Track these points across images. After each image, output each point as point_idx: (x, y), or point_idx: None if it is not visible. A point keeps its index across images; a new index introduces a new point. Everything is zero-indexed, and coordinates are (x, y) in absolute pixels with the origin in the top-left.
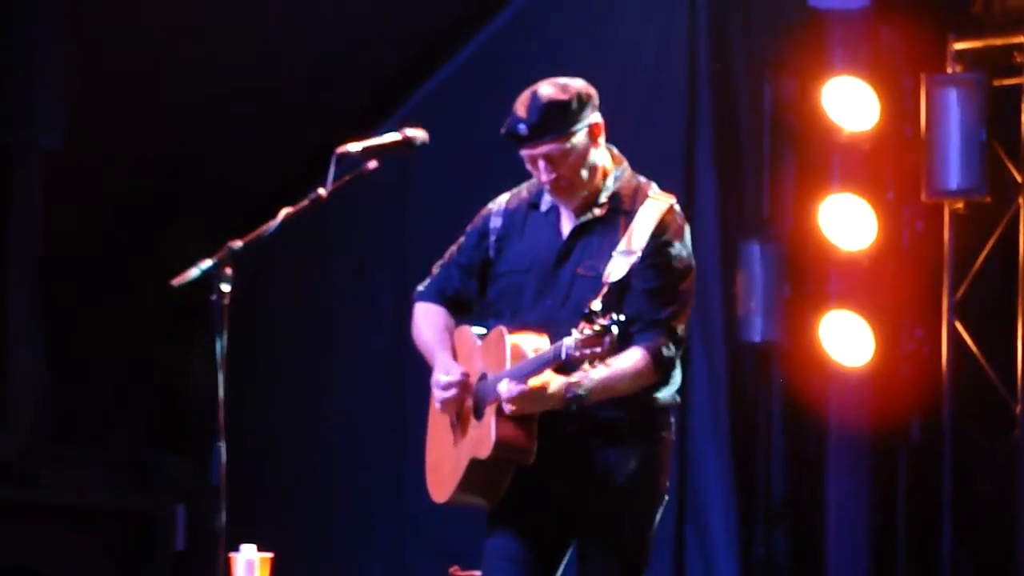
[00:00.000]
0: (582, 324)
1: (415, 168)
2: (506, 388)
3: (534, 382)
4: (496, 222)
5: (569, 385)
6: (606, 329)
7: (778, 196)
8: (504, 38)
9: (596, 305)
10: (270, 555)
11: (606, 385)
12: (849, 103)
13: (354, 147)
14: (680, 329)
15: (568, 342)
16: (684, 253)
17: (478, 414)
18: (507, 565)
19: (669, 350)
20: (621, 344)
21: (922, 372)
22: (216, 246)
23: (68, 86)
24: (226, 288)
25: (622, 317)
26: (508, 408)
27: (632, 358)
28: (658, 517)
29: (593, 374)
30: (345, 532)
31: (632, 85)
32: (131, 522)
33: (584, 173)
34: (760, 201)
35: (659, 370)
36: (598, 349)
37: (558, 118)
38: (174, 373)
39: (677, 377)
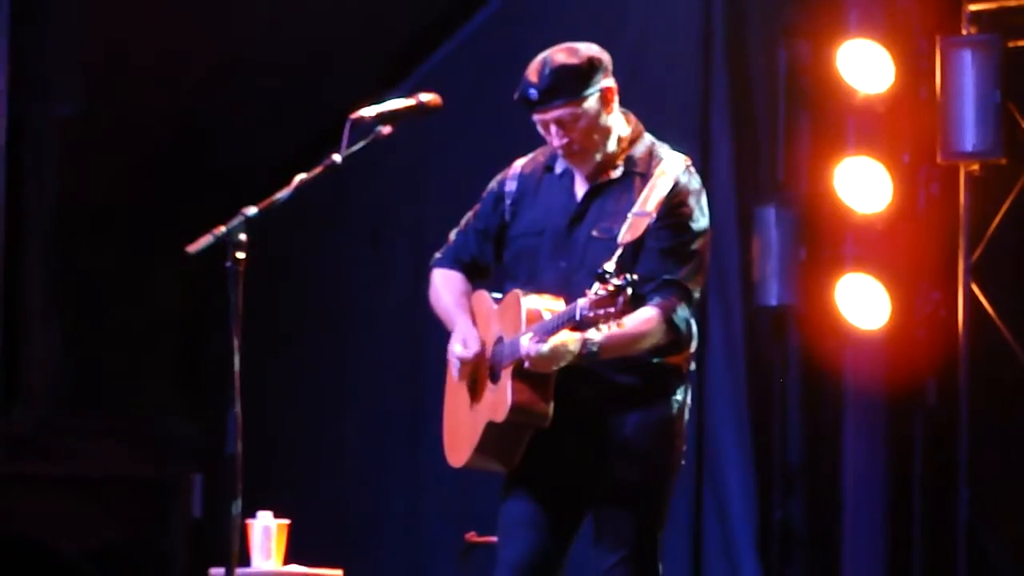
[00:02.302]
0: (596, 285)
1: (430, 134)
2: (527, 344)
3: (554, 340)
4: (511, 186)
5: (585, 341)
6: (620, 289)
7: (793, 160)
8: (518, 5)
9: (610, 266)
10: (287, 521)
11: (619, 342)
12: (864, 66)
13: (368, 113)
14: (694, 289)
15: (582, 303)
16: (699, 213)
17: (494, 378)
18: (523, 530)
19: (683, 310)
20: (635, 303)
21: (938, 335)
22: (231, 213)
23: (83, 55)
24: (241, 255)
25: (635, 277)
26: (528, 365)
27: (645, 317)
28: (674, 482)
29: (606, 330)
30: (361, 497)
31: (647, 50)
32: (148, 491)
33: (596, 137)
34: (775, 165)
35: (672, 330)
36: (612, 309)
37: (569, 82)
38: (190, 341)
39: (693, 341)
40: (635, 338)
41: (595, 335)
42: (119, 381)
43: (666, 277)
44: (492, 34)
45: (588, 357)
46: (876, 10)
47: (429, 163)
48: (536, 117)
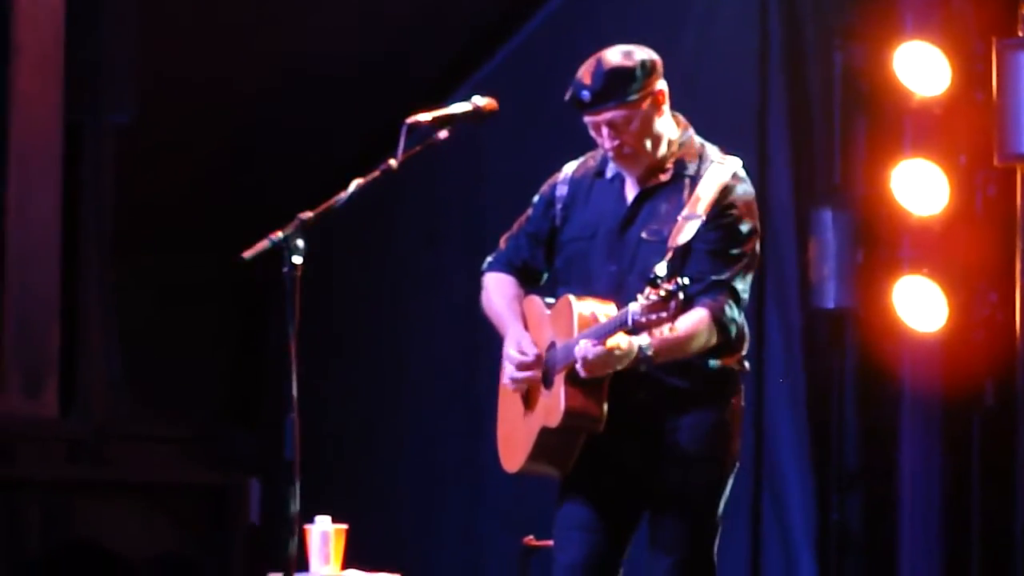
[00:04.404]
0: (647, 289)
1: (489, 137)
2: (583, 349)
3: (610, 343)
4: (562, 190)
5: (639, 345)
6: (671, 294)
7: (850, 162)
8: (577, 6)
9: (661, 270)
10: (344, 526)
11: (671, 346)
12: (920, 68)
13: (424, 117)
14: (742, 290)
15: (634, 307)
16: (748, 215)
17: (548, 383)
18: (579, 533)
19: (731, 310)
20: (684, 305)
21: (996, 337)
22: (288, 218)
23: (138, 64)
24: (297, 260)
25: (686, 281)
26: (583, 371)
27: (695, 318)
28: (730, 483)
29: (659, 334)
30: (419, 502)
31: (705, 54)
32: (205, 497)
33: (647, 140)
34: (832, 168)
35: (721, 331)
36: (663, 314)
37: (621, 85)
38: (247, 347)
39: (745, 342)
40: (687, 340)
41: (648, 339)
42: (177, 387)
43: (714, 278)
44: (549, 39)
45: (643, 361)
46: (932, 12)
47: (486, 167)
48: (588, 119)
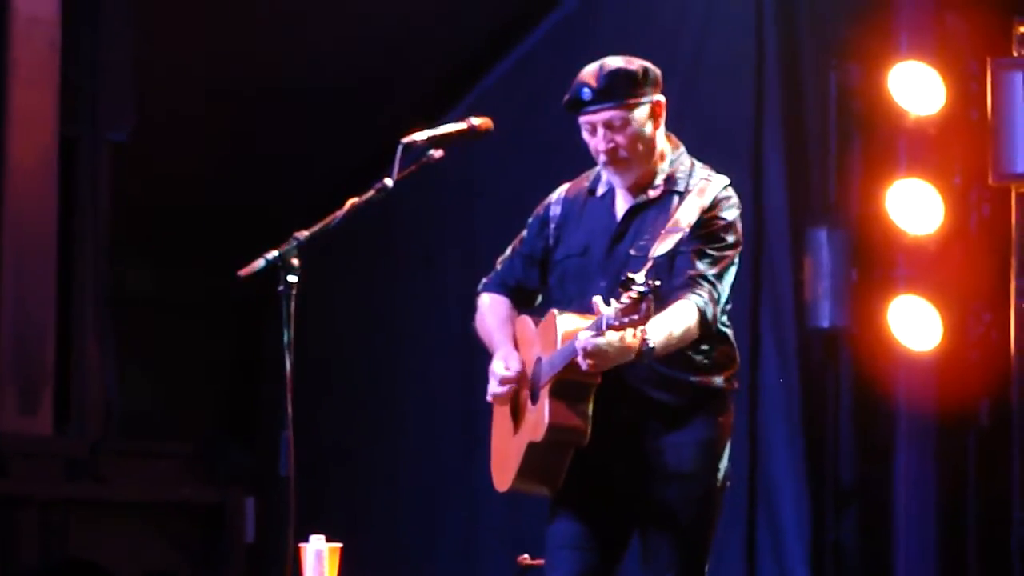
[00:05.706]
0: (621, 292)
1: (483, 156)
2: (583, 340)
3: (612, 335)
4: (555, 210)
5: (643, 339)
6: (643, 296)
7: (845, 181)
8: (572, 26)
9: (639, 277)
10: (339, 545)
11: (670, 338)
12: (915, 88)
13: (420, 136)
14: (724, 291)
15: (608, 312)
16: (732, 228)
17: (534, 398)
18: (569, 552)
19: (714, 307)
20: (668, 300)
21: (990, 356)
22: (284, 235)
23: (135, 80)
24: (293, 279)
25: (658, 282)
26: (585, 363)
27: (684, 309)
28: (719, 502)
29: (657, 326)
30: (414, 521)
31: (700, 72)
32: (201, 515)
33: (641, 148)
34: (827, 187)
35: (703, 325)
36: (635, 316)
37: (623, 86)
38: (243, 364)
39: (736, 361)
40: (684, 332)
41: (651, 332)
42: (172, 404)
43: (698, 273)
44: (545, 56)
45: (646, 354)
46: (927, 32)
47: (481, 185)
48: (584, 120)
